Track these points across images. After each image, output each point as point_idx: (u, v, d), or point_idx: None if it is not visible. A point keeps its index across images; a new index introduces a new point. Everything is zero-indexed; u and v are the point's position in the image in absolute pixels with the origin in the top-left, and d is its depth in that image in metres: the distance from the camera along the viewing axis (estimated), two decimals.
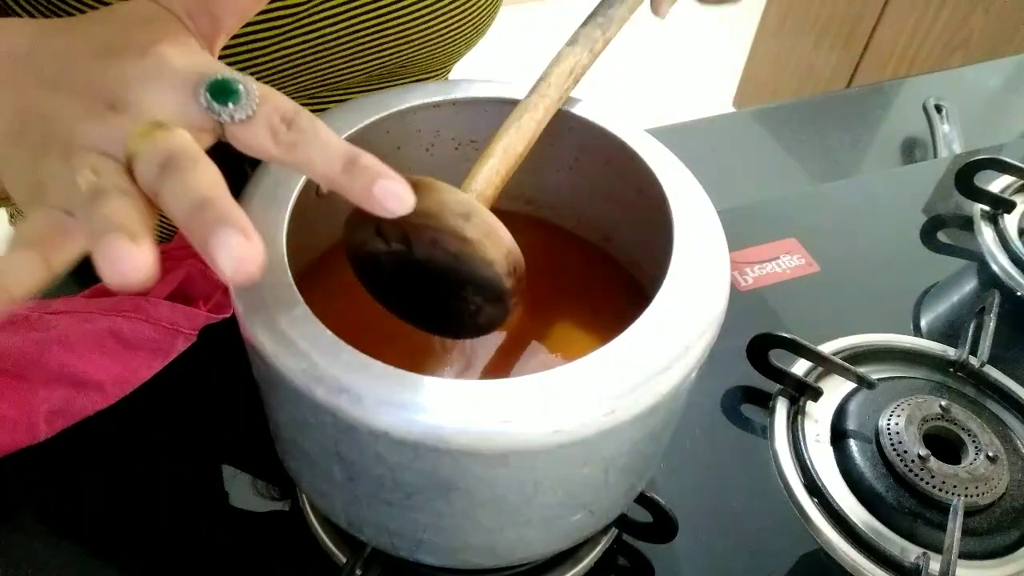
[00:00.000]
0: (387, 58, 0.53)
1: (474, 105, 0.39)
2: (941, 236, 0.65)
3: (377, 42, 0.51)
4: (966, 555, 0.43)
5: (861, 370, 0.49)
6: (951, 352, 0.53)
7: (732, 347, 0.50)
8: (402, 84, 0.52)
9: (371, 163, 0.25)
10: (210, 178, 0.24)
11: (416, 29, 0.52)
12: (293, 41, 0.48)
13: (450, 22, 0.53)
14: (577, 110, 0.38)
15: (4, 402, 0.41)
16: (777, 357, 0.50)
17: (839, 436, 0.48)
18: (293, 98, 0.27)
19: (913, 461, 0.45)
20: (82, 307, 0.43)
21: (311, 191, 0.35)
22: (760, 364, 0.50)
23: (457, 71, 0.63)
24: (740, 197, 0.66)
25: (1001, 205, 0.62)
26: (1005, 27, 1.45)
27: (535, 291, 0.41)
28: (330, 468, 0.31)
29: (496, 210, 0.31)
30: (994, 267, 0.59)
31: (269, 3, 0.45)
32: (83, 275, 0.27)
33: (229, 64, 0.35)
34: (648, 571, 0.44)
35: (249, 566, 0.42)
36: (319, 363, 0.27)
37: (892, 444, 0.46)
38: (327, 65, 0.51)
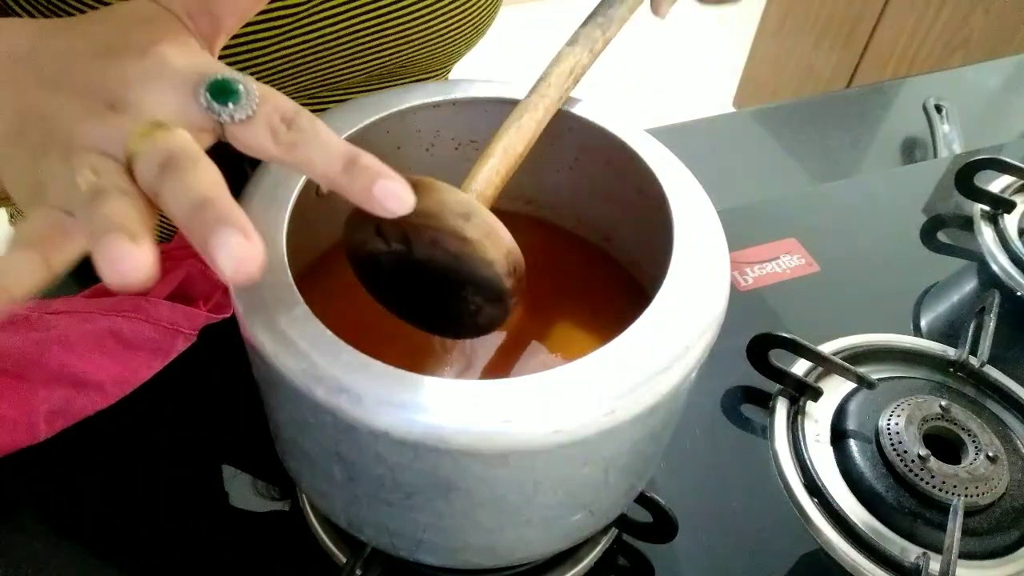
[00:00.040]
0: (387, 58, 0.53)
1: (474, 105, 0.39)
2: (941, 236, 0.65)
3: (377, 42, 0.51)
4: (966, 555, 0.43)
5: (861, 370, 0.49)
6: (951, 352, 0.53)
7: (732, 347, 0.50)
8: (402, 84, 0.52)
9: (371, 163, 0.25)
10: (210, 178, 0.24)
11: (416, 29, 0.52)
12: (293, 41, 0.48)
13: (450, 22, 0.53)
14: (577, 110, 0.38)
15: (4, 402, 0.41)
16: (777, 357, 0.50)
17: (839, 436, 0.48)
18: (293, 98, 0.27)
19: (913, 461, 0.45)
20: (82, 307, 0.43)
21: (311, 191, 0.35)
22: (760, 364, 0.50)
23: (457, 71, 0.63)
24: (740, 197, 0.66)
25: (1001, 205, 0.62)
26: (1005, 27, 1.45)
27: (535, 291, 0.41)
28: (330, 468, 0.31)
29: (496, 210, 0.31)
30: (994, 267, 0.59)
31: (269, 3, 0.45)
32: (83, 275, 0.27)
33: (229, 64, 0.35)
34: (648, 571, 0.44)
35: (249, 566, 0.42)
36: (319, 363, 0.27)
37: (892, 444, 0.46)
38: (327, 65, 0.51)
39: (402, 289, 0.33)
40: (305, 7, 0.47)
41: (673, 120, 0.73)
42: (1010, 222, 0.61)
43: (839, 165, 0.73)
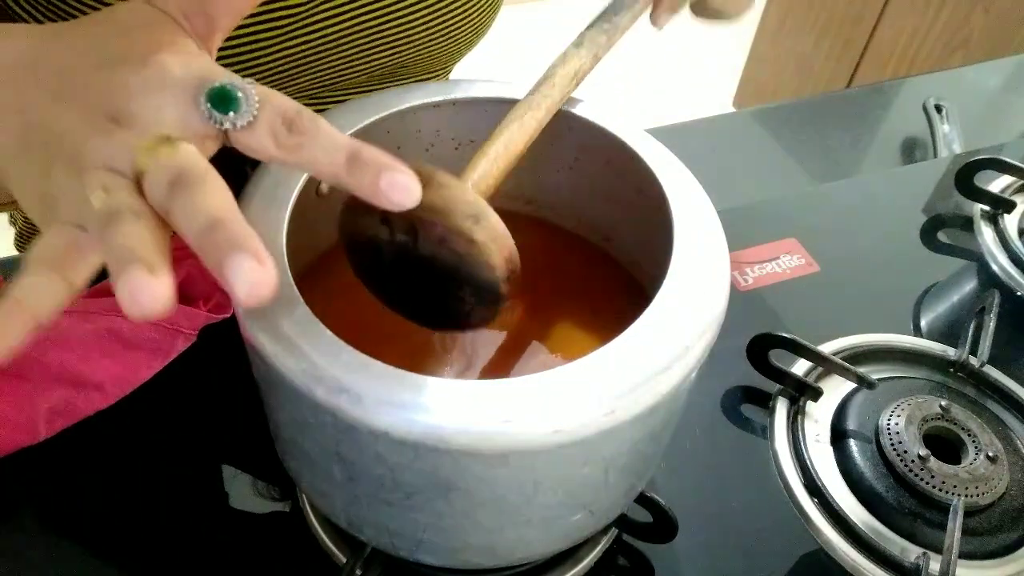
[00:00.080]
0: (388, 58, 0.53)
1: (474, 105, 0.39)
2: (941, 236, 0.65)
3: (378, 42, 0.51)
4: (966, 555, 0.43)
5: (861, 370, 0.49)
6: (951, 352, 0.53)
7: (732, 347, 0.50)
8: (402, 84, 0.52)
9: (374, 156, 0.25)
10: (220, 196, 0.24)
11: (417, 29, 0.52)
12: (294, 42, 0.48)
13: (451, 22, 0.53)
14: (577, 110, 0.38)
15: (4, 402, 0.41)
16: (777, 357, 0.50)
17: (839, 436, 0.48)
18: (294, 99, 0.27)
19: (913, 461, 0.45)
20: (82, 307, 0.43)
21: (311, 191, 0.35)
22: (760, 364, 0.50)
23: (457, 71, 0.63)
24: (740, 197, 0.66)
25: (1001, 205, 0.62)
26: (1005, 27, 1.45)
27: (535, 291, 0.42)
28: (330, 468, 0.31)
29: (495, 208, 0.31)
30: (994, 267, 0.59)
31: (270, 3, 0.45)
32: None
33: (230, 65, 0.35)
34: (648, 571, 0.44)
35: (249, 566, 0.42)
36: (319, 363, 0.27)
37: (892, 444, 0.46)
38: (328, 65, 0.51)
39: (395, 278, 0.33)
40: (306, 7, 0.47)
41: (673, 120, 0.73)
42: (1010, 222, 0.61)
43: (839, 165, 0.73)
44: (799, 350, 0.49)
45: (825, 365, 0.50)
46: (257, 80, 0.29)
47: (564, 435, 0.27)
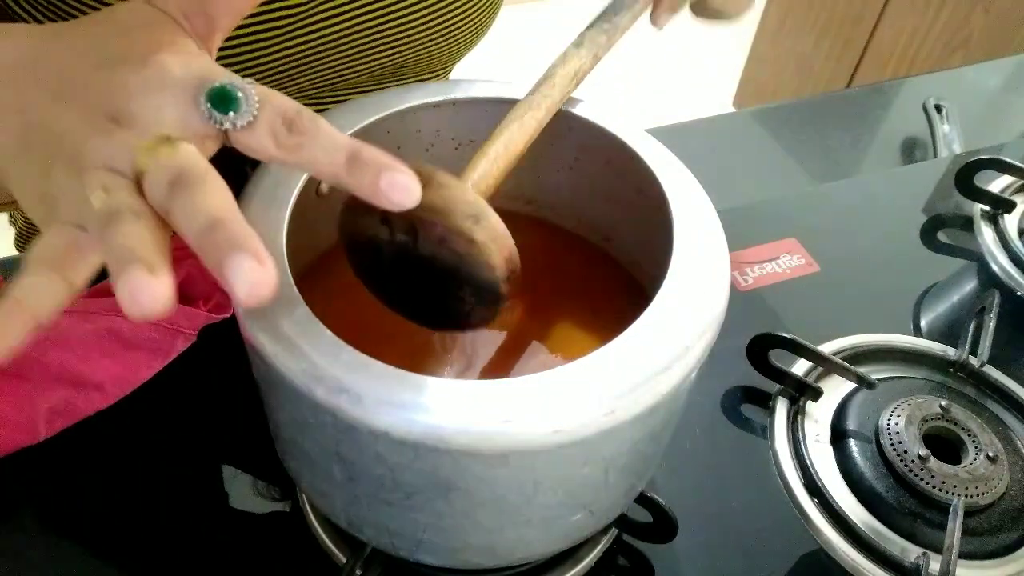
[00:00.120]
0: (388, 58, 0.53)
1: (474, 105, 0.39)
2: (941, 236, 0.65)
3: (378, 42, 0.51)
4: (966, 555, 0.43)
5: (861, 370, 0.49)
6: (951, 352, 0.53)
7: (732, 347, 0.50)
8: (402, 84, 0.52)
9: (374, 156, 0.25)
10: (219, 196, 0.24)
11: (417, 29, 0.52)
12: (294, 41, 0.48)
13: (451, 22, 0.53)
14: (577, 110, 0.38)
15: (4, 402, 0.41)
16: (777, 357, 0.50)
17: (839, 436, 0.48)
18: (294, 98, 0.27)
19: (913, 461, 0.45)
20: (82, 307, 0.43)
21: (311, 191, 0.35)
22: (760, 364, 0.50)
23: (457, 71, 0.63)
24: (740, 197, 0.66)
25: (1001, 205, 0.62)
26: (1005, 27, 1.45)
27: (535, 291, 0.42)
28: (330, 468, 0.31)
29: (495, 208, 0.31)
30: (994, 267, 0.59)
31: (270, 3, 0.45)
32: None
33: (230, 65, 0.35)
34: (648, 571, 0.44)
35: (249, 566, 0.42)
36: (319, 363, 0.27)
37: (892, 444, 0.46)
38: (328, 65, 0.51)
39: (395, 278, 0.33)
40: (306, 7, 0.47)
41: (673, 120, 0.73)
42: (1010, 222, 0.61)
43: (839, 165, 0.73)
44: (799, 350, 0.49)
45: (825, 365, 0.50)
46: (257, 80, 0.29)
47: (564, 435, 0.27)
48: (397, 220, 0.30)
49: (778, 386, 0.50)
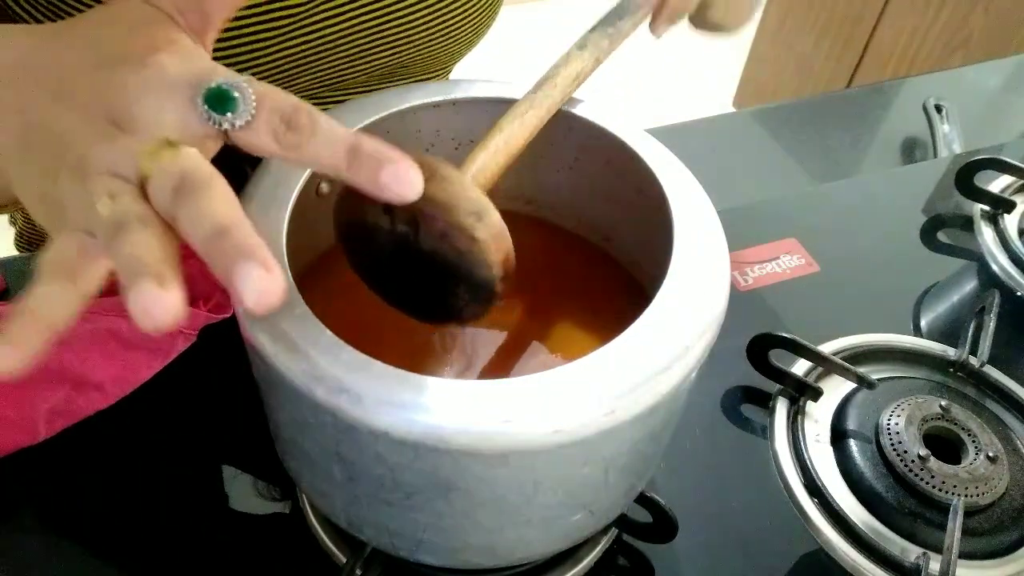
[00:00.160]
0: (388, 58, 0.53)
1: (474, 105, 0.39)
2: (941, 236, 0.65)
3: (378, 42, 0.51)
4: (966, 555, 0.43)
5: (861, 370, 0.49)
6: (951, 352, 0.53)
7: (732, 347, 0.49)
8: (402, 84, 0.52)
9: (374, 149, 0.25)
10: (225, 202, 0.24)
11: (417, 29, 0.52)
12: (294, 41, 0.48)
13: (451, 22, 0.53)
14: (577, 110, 0.38)
15: (4, 402, 0.41)
16: (777, 357, 0.50)
17: (839, 436, 0.48)
18: None
19: (913, 461, 0.45)
20: None
21: (311, 191, 0.35)
22: (760, 364, 0.50)
23: (457, 71, 0.63)
24: (740, 197, 0.66)
25: (1001, 205, 0.62)
26: (1005, 27, 1.45)
27: (535, 291, 0.42)
28: (330, 468, 0.31)
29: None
30: (994, 267, 0.59)
31: (270, 3, 0.46)
32: None
33: (230, 65, 0.35)
34: (648, 571, 0.44)
35: (249, 566, 0.42)
36: (319, 363, 0.27)
37: (892, 444, 0.46)
38: (328, 65, 0.51)
39: (388, 266, 0.33)
40: (306, 7, 0.47)
41: (673, 120, 0.73)
42: (1010, 222, 0.61)
43: (839, 165, 0.73)
44: (799, 350, 0.49)
45: (825, 365, 0.50)
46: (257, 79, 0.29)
47: (564, 435, 0.27)
48: (399, 211, 0.30)
49: (778, 386, 0.50)
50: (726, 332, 0.32)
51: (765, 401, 0.50)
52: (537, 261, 0.43)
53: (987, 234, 0.61)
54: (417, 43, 0.53)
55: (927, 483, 0.44)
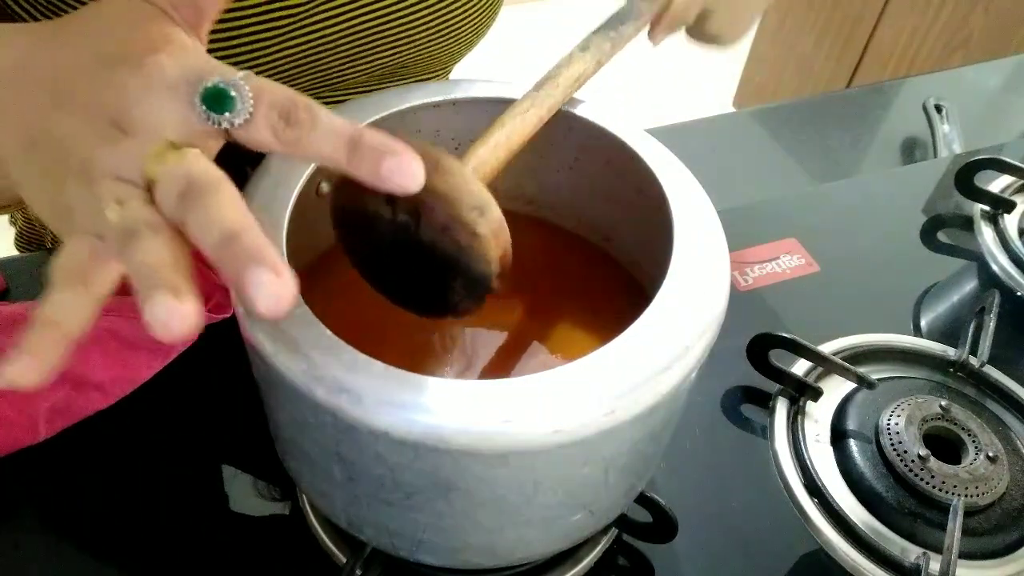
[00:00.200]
0: (388, 58, 0.53)
1: (474, 105, 0.39)
2: (941, 236, 0.65)
3: (378, 42, 0.51)
4: (966, 555, 0.43)
5: (861, 370, 0.49)
6: (951, 352, 0.53)
7: (732, 347, 0.49)
8: (402, 84, 0.52)
9: (375, 141, 0.25)
10: (233, 207, 0.24)
11: (417, 29, 0.52)
12: (294, 41, 0.48)
13: (451, 22, 0.53)
14: (577, 110, 0.38)
15: (4, 402, 0.41)
16: (777, 357, 0.50)
17: (839, 436, 0.48)
18: None
19: (913, 461, 0.45)
20: None
21: (311, 191, 0.35)
22: (760, 364, 0.50)
23: (457, 71, 0.63)
24: (740, 197, 0.66)
25: (1001, 205, 0.62)
26: (1005, 27, 1.45)
27: (535, 291, 0.42)
28: (330, 468, 0.31)
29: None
30: (994, 267, 0.59)
31: (270, 3, 0.45)
32: None
33: (230, 65, 0.34)
34: (648, 571, 0.44)
35: (249, 566, 0.42)
36: (319, 363, 0.27)
37: (892, 444, 0.46)
38: (328, 65, 0.51)
39: (385, 256, 0.33)
40: (306, 7, 0.47)
41: (673, 120, 0.73)
42: (1010, 222, 0.61)
43: (839, 165, 0.73)
44: (799, 350, 0.49)
45: (825, 365, 0.50)
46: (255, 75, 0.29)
47: (564, 435, 0.27)
48: (401, 201, 0.30)
49: (778, 386, 0.50)
50: (726, 332, 0.32)
51: (765, 401, 0.50)
52: (537, 261, 0.43)
53: (987, 234, 0.61)
54: (417, 43, 0.53)
55: (927, 483, 0.44)
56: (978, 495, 0.44)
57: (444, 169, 0.28)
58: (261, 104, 0.25)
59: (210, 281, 0.45)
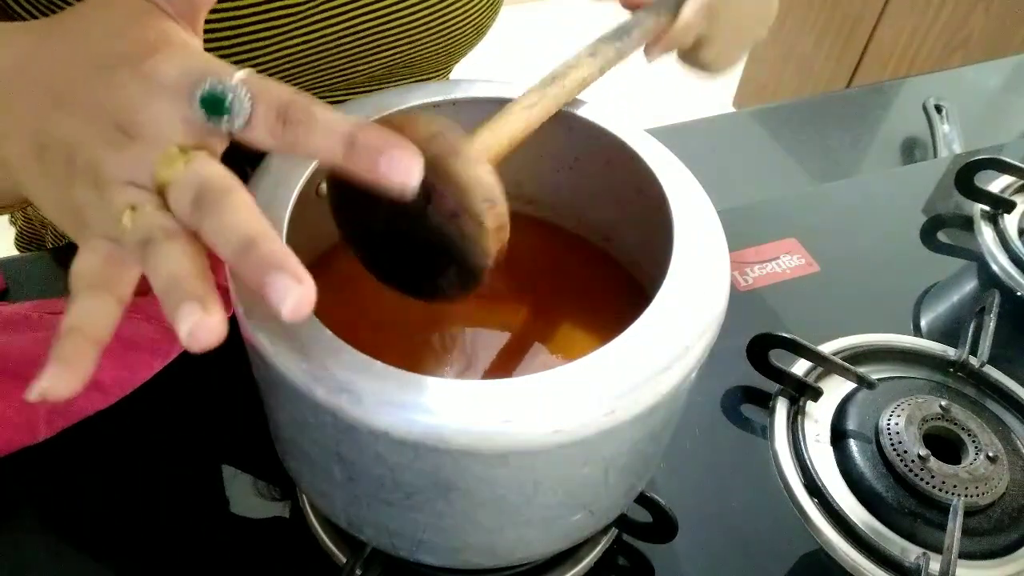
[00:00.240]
0: (388, 58, 0.53)
1: (474, 105, 0.39)
2: (941, 236, 0.65)
3: (378, 42, 0.51)
4: (966, 555, 0.43)
5: (861, 370, 0.49)
6: (951, 352, 0.53)
7: (732, 347, 0.49)
8: (402, 84, 0.52)
9: (372, 138, 0.25)
10: (247, 212, 0.24)
11: (417, 29, 0.52)
12: (294, 41, 0.48)
13: (451, 22, 0.53)
14: (577, 110, 0.38)
15: (4, 402, 0.41)
16: (777, 357, 0.50)
17: (839, 436, 0.48)
18: None
19: (913, 461, 0.45)
20: None
21: (311, 191, 0.35)
22: (760, 364, 0.50)
23: (458, 71, 0.63)
24: (740, 197, 0.66)
25: (1001, 205, 0.62)
26: (1005, 27, 1.45)
27: (535, 291, 0.42)
28: (330, 468, 0.31)
29: None
30: (994, 267, 0.59)
31: (270, 3, 0.46)
32: None
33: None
34: (648, 571, 0.44)
35: (249, 566, 0.42)
36: (319, 363, 0.27)
37: (892, 444, 0.46)
38: (328, 65, 0.51)
39: (380, 233, 0.33)
40: (306, 7, 0.47)
41: (673, 120, 0.73)
42: (1010, 222, 0.61)
43: (839, 165, 0.73)
44: (799, 350, 0.49)
45: (825, 365, 0.50)
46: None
47: (564, 435, 0.27)
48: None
49: (778, 386, 0.50)
50: (726, 332, 0.32)
51: (765, 401, 0.50)
52: (537, 261, 0.43)
53: (987, 234, 0.61)
54: (418, 42, 0.53)
55: (927, 483, 0.44)
56: (978, 495, 0.44)
57: (461, 156, 0.28)
58: (259, 104, 0.25)
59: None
